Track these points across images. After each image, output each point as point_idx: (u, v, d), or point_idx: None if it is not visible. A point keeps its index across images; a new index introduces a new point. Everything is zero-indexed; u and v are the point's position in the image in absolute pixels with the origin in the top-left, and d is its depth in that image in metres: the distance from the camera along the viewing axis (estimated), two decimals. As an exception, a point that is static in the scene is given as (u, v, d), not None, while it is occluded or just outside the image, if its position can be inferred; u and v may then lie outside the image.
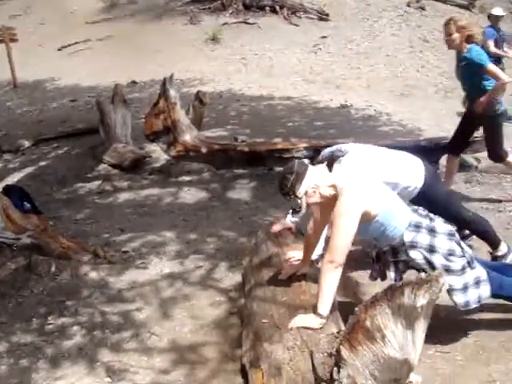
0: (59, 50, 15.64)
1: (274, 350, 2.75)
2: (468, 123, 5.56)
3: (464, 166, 6.56)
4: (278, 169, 6.92)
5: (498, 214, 5.34)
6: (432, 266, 3.07)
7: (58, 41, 16.00)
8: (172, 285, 4.25)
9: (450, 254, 3.11)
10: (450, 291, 3.11)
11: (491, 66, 5.07)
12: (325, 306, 2.84)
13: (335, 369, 2.31)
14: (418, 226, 3.10)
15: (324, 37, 15.28)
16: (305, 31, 15.81)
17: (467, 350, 3.32)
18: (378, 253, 3.32)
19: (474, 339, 3.42)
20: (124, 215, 5.77)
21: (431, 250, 3.09)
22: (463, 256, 3.15)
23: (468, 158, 6.66)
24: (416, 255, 3.10)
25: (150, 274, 4.43)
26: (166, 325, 3.72)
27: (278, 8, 16.71)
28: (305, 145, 6.99)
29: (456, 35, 5.04)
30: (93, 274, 4.40)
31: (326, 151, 3.84)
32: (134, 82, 12.73)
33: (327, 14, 16.47)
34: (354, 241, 2.95)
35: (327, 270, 2.88)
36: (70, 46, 15.68)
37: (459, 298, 3.13)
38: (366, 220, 2.98)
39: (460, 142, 5.65)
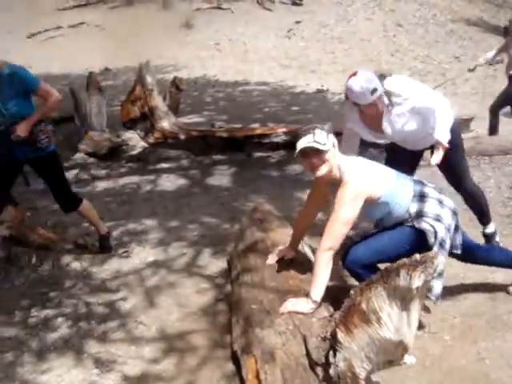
0: (29, 37, 15.36)
1: (266, 335, 2.73)
2: None
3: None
4: (257, 154, 6.92)
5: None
6: (436, 236, 3.04)
7: (28, 28, 15.70)
8: (156, 273, 4.20)
9: (448, 231, 3.11)
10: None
11: None
12: (318, 292, 2.84)
13: (331, 352, 2.30)
14: (423, 196, 3.09)
15: (298, 22, 15.24)
16: (278, 16, 15.76)
17: (455, 329, 3.35)
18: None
19: (460, 319, 3.44)
20: (103, 204, 5.68)
21: (437, 219, 3.07)
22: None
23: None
24: (423, 225, 3.06)
25: (134, 263, 4.37)
26: (152, 313, 3.67)
27: (250, -7, 16.64)
28: (283, 130, 6.98)
29: None
30: (75, 265, 4.33)
31: None
32: (107, 69, 12.57)
33: (301, -1, 16.44)
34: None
35: (323, 255, 2.87)
36: (40, 33, 15.40)
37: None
38: (370, 203, 2.98)
39: None
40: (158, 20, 15.53)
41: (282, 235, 3.70)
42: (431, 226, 3.05)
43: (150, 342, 3.38)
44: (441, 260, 2.87)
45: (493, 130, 7.49)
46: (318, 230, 4.73)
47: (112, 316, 3.67)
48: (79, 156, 7.06)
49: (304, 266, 3.32)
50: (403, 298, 2.15)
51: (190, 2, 16.47)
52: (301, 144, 2.95)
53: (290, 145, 6.92)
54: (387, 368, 2.42)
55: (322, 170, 2.96)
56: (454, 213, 3.18)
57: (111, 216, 5.31)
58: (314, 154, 2.94)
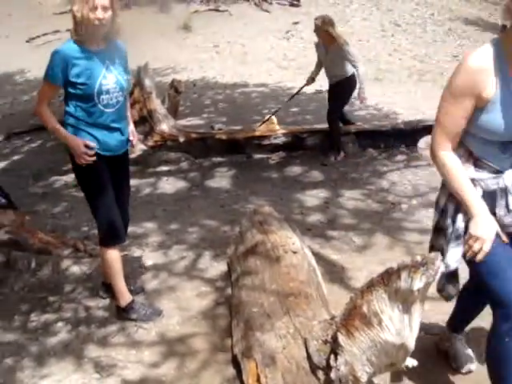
0: (27, 41, 15.34)
1: (267, 338, 2.71)
2: None
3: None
4: (257, 156, 6.91)
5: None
6: None
7: (26, 32, 15.70)
8: (156, 276, 4.18)
9: None
10: None
11: None
12: None
13: (332, 356, 2.28)
14: None
15: (296, 23, 15.23)
16: (276, 18, 15.75)
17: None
18: None
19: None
20: (103, 207, 5.66)
21: None
22: None
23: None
24: None
25: (133, 267, 4.34)
26: (152, 317, 3.65)
27: (248, -6, 16.66)
28: (283, 131, 6.98)
29: None
30: (74, 269, 4.30)
31: None
32: (105, 73, 12.55)
33: (298, 0, 16.43)
34: None
35: None
36: (38, 37, 15.38)
37: None
38: None
39: None
40: (156, 23, 15.52)
41: (283, 237, 3.68)
42: None
43: (149, 345, 3.36)
44: None
45: None
46: (319, 232, 4.76)
47: (112, 320, 3.64)
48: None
49: (304, 268, 3.31)
50: (404, 301, 2.13)
51: (187, 5, 16.48)
52: None
53: (289, 146, 6.93)
54: (389, 371, 2.40)
55: None
56: None
57: (111, 219, 5.28)
58: None
